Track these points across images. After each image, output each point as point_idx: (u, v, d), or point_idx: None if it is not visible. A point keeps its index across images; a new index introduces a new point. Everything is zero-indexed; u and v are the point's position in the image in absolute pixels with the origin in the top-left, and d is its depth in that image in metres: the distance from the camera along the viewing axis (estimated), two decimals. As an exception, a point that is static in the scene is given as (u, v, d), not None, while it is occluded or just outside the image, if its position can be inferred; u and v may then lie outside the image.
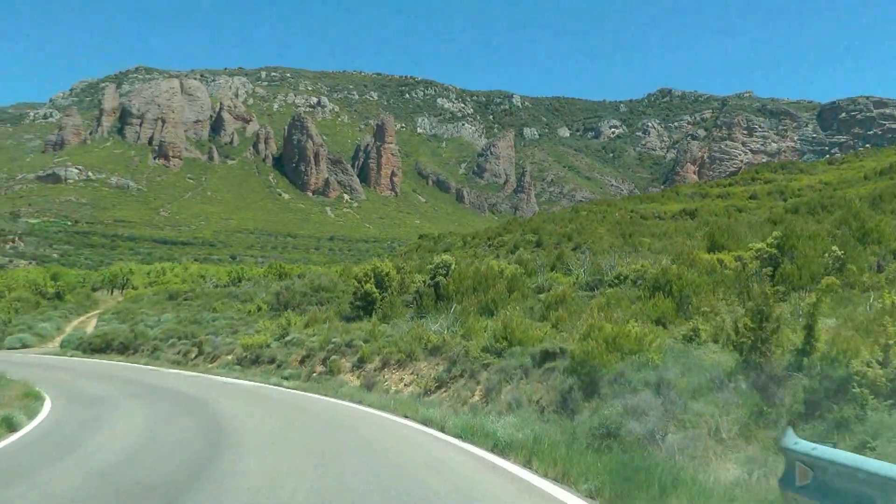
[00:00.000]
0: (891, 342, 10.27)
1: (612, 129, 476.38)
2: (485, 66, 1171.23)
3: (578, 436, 12.51)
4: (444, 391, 20.87)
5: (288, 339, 34.24)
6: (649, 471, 9.60)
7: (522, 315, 22.68)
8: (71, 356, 46.29)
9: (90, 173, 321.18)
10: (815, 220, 40.07)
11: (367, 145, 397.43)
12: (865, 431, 9.28)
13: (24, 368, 33.42)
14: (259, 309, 48.17)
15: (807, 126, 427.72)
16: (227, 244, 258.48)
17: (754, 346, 13.75)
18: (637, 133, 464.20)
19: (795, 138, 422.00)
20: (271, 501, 9.63)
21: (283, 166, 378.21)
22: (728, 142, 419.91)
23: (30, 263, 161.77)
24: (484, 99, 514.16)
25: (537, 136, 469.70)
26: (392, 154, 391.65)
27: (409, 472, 11.68)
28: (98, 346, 47.35)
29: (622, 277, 29.79)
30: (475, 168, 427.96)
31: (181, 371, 36.00)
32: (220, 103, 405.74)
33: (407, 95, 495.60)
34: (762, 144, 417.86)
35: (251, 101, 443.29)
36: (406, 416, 18.31)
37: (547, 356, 17.60)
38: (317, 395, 23.91)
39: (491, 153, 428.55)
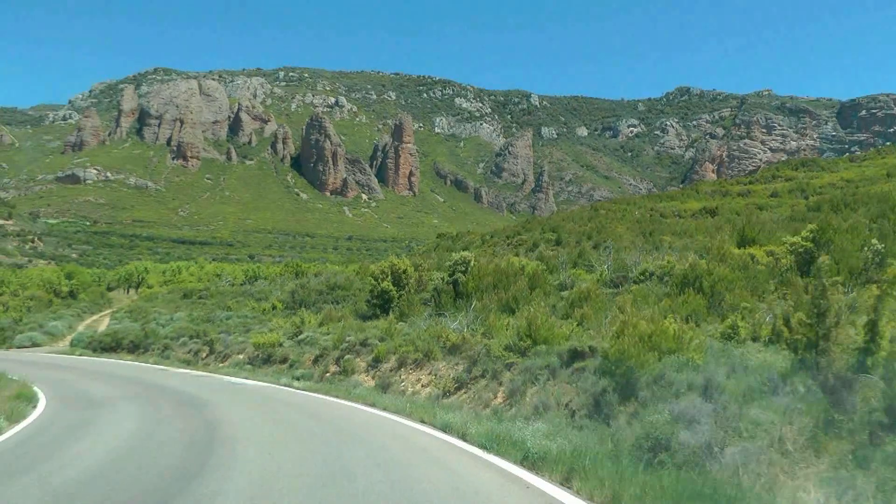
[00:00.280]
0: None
1: (631, 129, 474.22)
2: (502, 66, 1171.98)
3: (622, 447, 10.91)
4: (465, 392, 19.46)
5: (301, 337, 33.10)
6: (716, 494, 8.12)
7: (547, 312, 21.27)
8: (80, 355, 45.35)
9: (109, 174, 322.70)
10: (840, 217, 38.55)
11: (385, 145, 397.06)
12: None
13: (28, 368, 32.49)
14: (274, 308, 47.37)
15: (826, 124, 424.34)
16: (245, 244, 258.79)
17: (811, 344, 12.32)
18: (655, 132, 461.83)
19: (815, 136, 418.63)
20: None
21: (300, 166, 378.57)
22: (747, 140, 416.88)
23: (49, 263, 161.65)
24: (502, 98, 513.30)
25: (555, 136, 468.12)
26: (410, 154, 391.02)
27: (429, 499, 9.77)
28: (108, 345, 46.40)
29: (647, 274, 28.71)
30: (493, 168, 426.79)
31: (189, 371, 34.82)
32: (238, 104, 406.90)
33: (425, 95, 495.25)
34: (781, 143, 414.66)
35: (269, 101, 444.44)
36: (423, 422, 16.64)
37: (575, 355, 16.21)
38: (328, 398, 22.44)
39: (509, 153, 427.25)
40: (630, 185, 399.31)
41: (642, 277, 28.63)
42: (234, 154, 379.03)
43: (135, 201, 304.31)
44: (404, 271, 35.44)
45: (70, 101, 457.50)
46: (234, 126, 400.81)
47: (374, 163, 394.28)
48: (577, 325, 20.73)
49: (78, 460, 12.66)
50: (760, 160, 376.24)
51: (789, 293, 20.81)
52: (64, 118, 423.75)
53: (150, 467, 11.93)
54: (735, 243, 32.25)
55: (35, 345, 53.12)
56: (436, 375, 21.51)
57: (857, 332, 12.01)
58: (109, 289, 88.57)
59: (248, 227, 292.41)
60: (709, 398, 11.04)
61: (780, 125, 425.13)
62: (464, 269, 32.83)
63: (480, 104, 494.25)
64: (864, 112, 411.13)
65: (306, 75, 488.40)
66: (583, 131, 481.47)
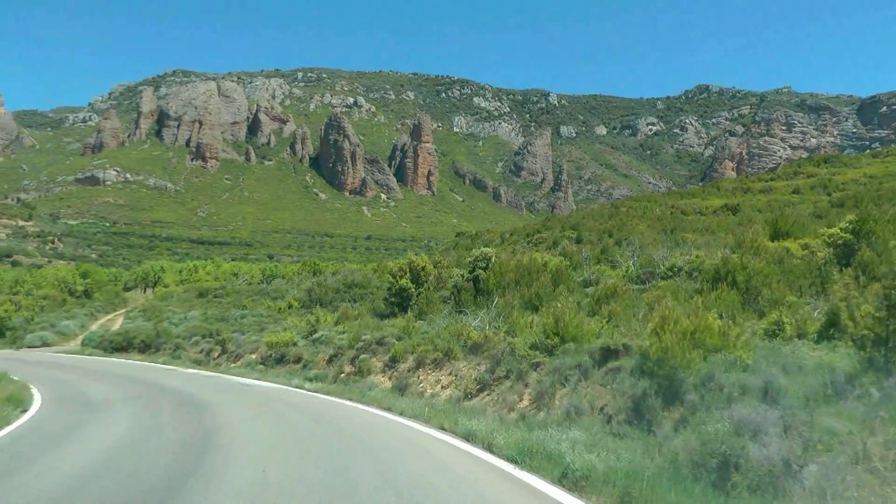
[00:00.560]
0: None
1: (650, 127, 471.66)
2: (521, 65, 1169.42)
3: (678, 462, 9.23)
4: (487, 394, 18.00)
5: (315, 336, 31.87)
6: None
7: (575, 309, 19.88)
8: (89, 355, 44.50)
9: (128, 175, 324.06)
10: (880, 209, 37.18)
11: (404, 145, 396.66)
12: None
13: (33, 367, 31.63)
14: (290, 306, 46.44)
15: (847, 120, 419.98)
16: (265, 244, 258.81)
17: (880, 341, 10.86)
18: (674, 130, 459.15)
19: (835, 133, 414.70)
20: None
21: (319, 166, 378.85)
22: (767, 138, 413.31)
23: (68, 264, 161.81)
24: (520, 97, 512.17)
25: (574, 135, 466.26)
26: (429, 153, 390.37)
27: None
28: (119, 345, 45.45)
29: (675, 269, 27.31)
30: (512, 167, 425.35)
31: (199, 371, 33.66)
32: (257, 104, 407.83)
33: (443, 95, 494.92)
34: (801, 140, 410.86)
35: (288, 101, 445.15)
36: (443, 429, 14.97)
37: (608, 354, 14.79)
38: (341, 401, 20.98)
39: (528, 151, 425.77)
40: (649, 183, 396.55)
41: (670, 273, 27.23)
42: (252, 155, 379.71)
43: (154, 202, 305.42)
44: (423, 268, 34.25)
45: (90, 104, 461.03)
46: (253, 127, 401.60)
47: (393, 162, 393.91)
48: (606, 322, 19.42)
49: (58, 469, 11.35)
50: (780, 157, 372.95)
51: (835, 286, 19.42)
52: (84, 120, 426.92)
53: (134, 483, 10.51)
54: (768, 236, 30.85)
55: (46, 344, 52.45)
56: (456, 376, 20.11)
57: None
58: (126, 289, 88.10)
59: (266, 228, 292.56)
60: (773, 404, 9.54)
61: (800, 122, 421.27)
62: (484, 265, 31.54)
63: (499, 103, 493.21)
64: (884, 108, 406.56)
65: (324, 76, 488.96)
66: (602, 130, 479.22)
